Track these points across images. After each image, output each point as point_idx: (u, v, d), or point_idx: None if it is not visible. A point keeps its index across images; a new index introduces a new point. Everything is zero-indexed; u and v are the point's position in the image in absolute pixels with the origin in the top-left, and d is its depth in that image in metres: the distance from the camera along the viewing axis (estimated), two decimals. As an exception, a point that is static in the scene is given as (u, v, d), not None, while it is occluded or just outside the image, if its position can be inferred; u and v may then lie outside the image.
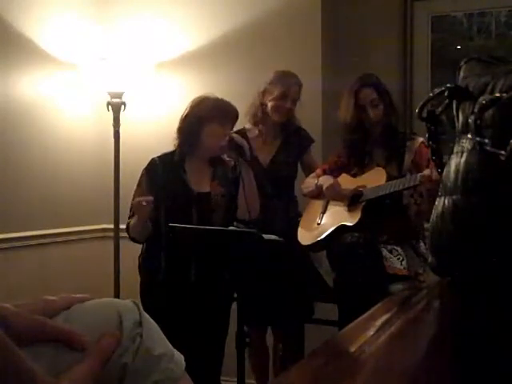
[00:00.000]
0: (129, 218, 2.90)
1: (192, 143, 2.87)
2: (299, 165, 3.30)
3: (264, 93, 3.18)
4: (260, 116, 3.21)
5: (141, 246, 2.98)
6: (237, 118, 2.93)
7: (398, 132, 2.98)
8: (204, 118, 2.83)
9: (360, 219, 2.82)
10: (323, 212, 3.04)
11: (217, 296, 2.81)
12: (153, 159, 2.92)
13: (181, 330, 2.63)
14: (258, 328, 3.23)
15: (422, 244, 2.87)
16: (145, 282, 2.92)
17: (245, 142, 2.93)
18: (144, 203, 2.70)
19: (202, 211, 2.84)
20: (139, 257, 2.96)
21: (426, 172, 2.60)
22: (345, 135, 3.01)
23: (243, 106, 3.17)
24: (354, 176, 2.99)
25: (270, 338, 3.33)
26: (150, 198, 2.72)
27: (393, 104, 2.98)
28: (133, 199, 2.87)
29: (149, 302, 2.78)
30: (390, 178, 2.83)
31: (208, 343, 2.84)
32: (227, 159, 2.96)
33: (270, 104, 3.16)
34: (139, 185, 2.91)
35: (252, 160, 3.00)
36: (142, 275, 2.93)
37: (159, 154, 2.93)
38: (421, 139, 2.89)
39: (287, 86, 3.14)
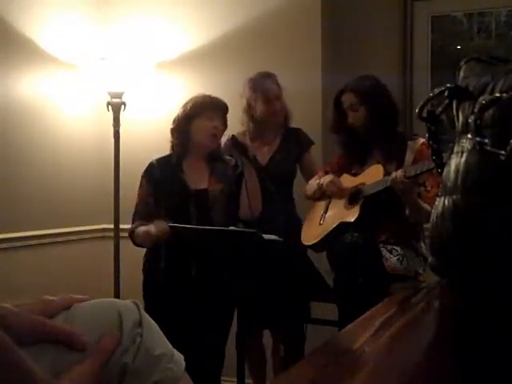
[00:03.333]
0: (133, 222, 2.91)
1: (184, 142, 2.91)
2: (298, 167, 3.31)
3: (249, 108, 3.21)
4: (256, 129, 3.26)
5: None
6: (226, 110, 2.95)
7: (397, 133, 2.97)
8: (191, 114, 2.89)
9: (359, 215, 2.82)
10: (325, 212, 3.04)
11: (218, 296, 2.81)
12: (151, 162, 2.96)
13: (183, 330, 2.63)
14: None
15: (422, 244, 2.87)
16: (147, 283, 2.92)
17: (247, 141, 2.94)
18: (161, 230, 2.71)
19: (200, 208, 2.84)
20: (144, 257, 2.96)
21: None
22: (341, 137, 3.05)
23: (243, 105, 3.18)
24: (355, 175, 3.00)
25: (267, 338, 3.33)
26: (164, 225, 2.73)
27: (383, 105, 2.93)
28: (137, 200, 2.93)
29: (152, 303, 2.80)
30: (387, 174, 2.83)
31: (210, 343, 2.84)
32: (228, 158, 2.97)
33: (259, 114, 3.19)
34: (141, 186, 2.95)
35: (254, 159, 3.00)
36: (144, 275, 2.94)
37: (157, 157, 2.96)
38: (422, 140, 2.88)
39: (265, 90, 3.17)
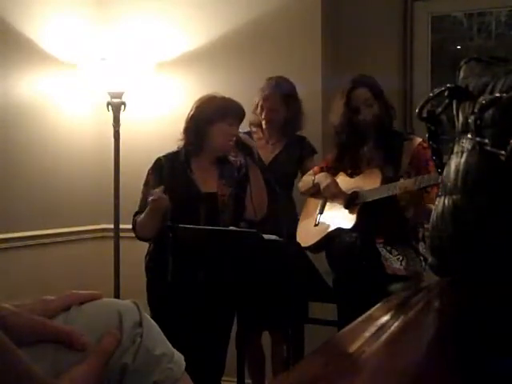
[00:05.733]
0: (134, 215, 2.87)
1: (199, 143, 2.86)
2: (299, 173, 3.32)
3: (255, 108, 3.29)
4: (259, 124, 3.32)
5: (142, 246, 2.97)
6: (243, 116, 2.93)
7: (394, 132, 2.97)
8: (212, 117, 2.82)
9: (356, 222, 2.82)
10: (321, 212, 3.04)
11: (221, 297, 2.79)
12: (158, 158, 2.89)
13: (185, 330, 2.63)
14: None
15: (421, 244, 2.87)
16: (151, 282, 2.89)
17: (253, 143, 2.93)
18: (160, 196, 2.67)
19: (210, 211, 2.82)
20: (145, 256, 2.94)
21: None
22: (338, 137, 3.01)
23: (243, 105, 3.19)
24: (351, 176, 2.99)
25: (266, 339, 3.33)
26: (161, 189, 2.69)
27: (388, 105, 2.96)
28: (141, 198, 2.86)
29: (155, 302, 2.79)
30: (385, 179, 2.82)
31: (211, 344, 2.83)
32: (233, 159, 2.96)
33: (258, 112, 3.27)
34: (146, 184, 2.88)
35: (259, 159, 3.00)
36: (148, 275, 2.91)
37: (163, 154, 2.91)
38: (419, 140, 2.87)
39: (261, 97, 3.23)
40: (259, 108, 3.25)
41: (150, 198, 2.68)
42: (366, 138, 2.94)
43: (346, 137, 2.96)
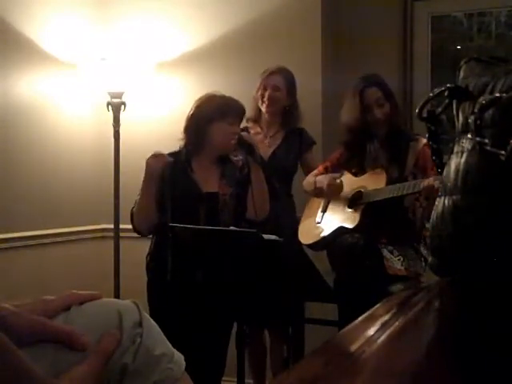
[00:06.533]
0: (131, 214, 2.88)
1: (199, 142, 2.85)
2: (299, 165, 3.32)
3: (254, 98, 3.28)
4: (256, 117, 3.30)
5: (143, 246, 2.97)
6: (244, 115, 2.93)
7: (401, 132, 2.97)
8: (212, 116, 2.81)
9: (359, 222, 2.82)
10: (324, 211, 3.04)
11: (220, 297, 2.79)
12: None
13: (185, 330, 2.62)
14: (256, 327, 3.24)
15: (422, 245, 2.87)
16: (151, 282, 2.89)
17: (255, 141, 2.93)
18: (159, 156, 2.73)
19: (210, 211, 2.81)
20: (147, 256, 2.94)
21: (429, 182, 2.58)
22: (346, 136, 3.00)
23: (243, 105, 3.19)
24: (356, 175, 2.99)
25: (266, 338, 3.33)
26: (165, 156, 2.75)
27: (397, 104, 2.97)
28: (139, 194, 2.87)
29: (155, 302, 2.78)
30: (390, 179, 2.82)
31: (211, 344, 2.83)
32: (235, 159, 2.95)
33: (256, 100, 3.26)
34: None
35: (261, 159, 2.99)
36: (148, 274, 2.91)
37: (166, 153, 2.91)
38: (424, 140, 2.86)
39: (264, 77, 3.24)
40: (261, 89, 3.22)
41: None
42: (375, 138, 2.94)
43: (356, 136, 2.95)
